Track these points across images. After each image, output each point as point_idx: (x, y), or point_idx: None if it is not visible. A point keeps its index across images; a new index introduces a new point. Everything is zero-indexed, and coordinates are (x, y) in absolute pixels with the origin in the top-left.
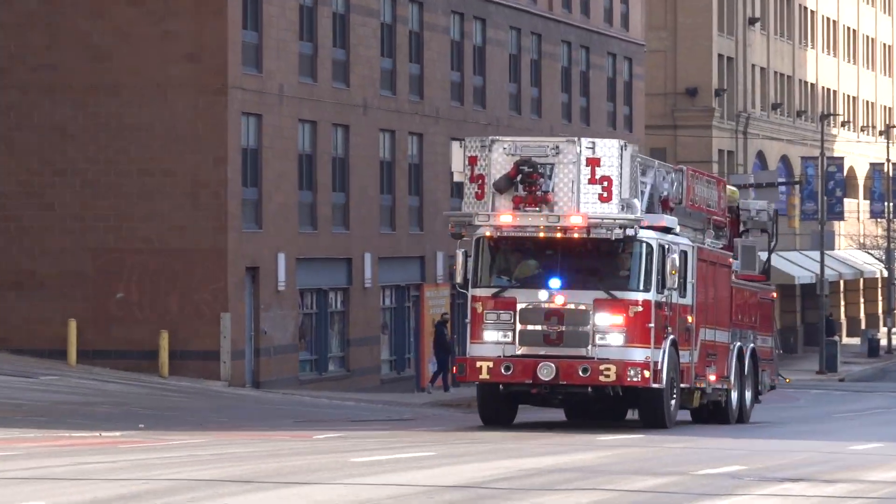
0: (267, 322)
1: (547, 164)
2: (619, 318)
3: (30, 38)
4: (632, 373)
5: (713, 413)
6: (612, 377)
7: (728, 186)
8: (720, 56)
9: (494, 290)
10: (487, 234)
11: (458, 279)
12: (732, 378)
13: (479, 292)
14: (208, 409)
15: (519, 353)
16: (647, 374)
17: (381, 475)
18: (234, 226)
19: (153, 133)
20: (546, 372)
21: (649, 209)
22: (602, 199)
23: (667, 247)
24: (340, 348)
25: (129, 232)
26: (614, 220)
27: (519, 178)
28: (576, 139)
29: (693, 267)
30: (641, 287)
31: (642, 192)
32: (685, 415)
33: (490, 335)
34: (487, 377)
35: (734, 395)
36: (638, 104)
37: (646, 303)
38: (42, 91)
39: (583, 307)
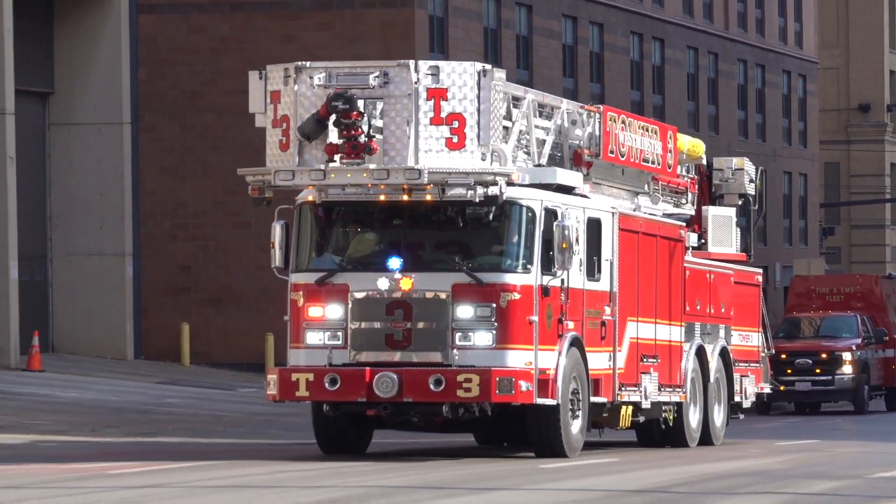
0: None
1: (372, 100)
2: (486, 310)
3: (223, 63)
4: (503, 385)
5: (666, 434)
6: (475, 392)
7: (688, 138)
8: (892, 72)
9: (319, 276)
10: (310, 198)
11: (276, 261)
12: (688, 388)
13: (300, 278)
14: None
15: (355, 360)
16: (525, 385)
17: (567, 481)
18: None
19: None
20: (385, 386)
21: (555, 164)
22: (451, 146)
23: (560, 212)
24: None
25: None
26: (468, 173)
27: (332, 118)
28: (411, 63)
29: (613, 240)
30: (519, 267)
31: (541, 141)
32: (629, 435)
33: (313, 337)
34: (306, 394)
35: (693, 410)
36: (812, 120)
37: (525, 288)
38: (236, 114)
39: (438, 296)
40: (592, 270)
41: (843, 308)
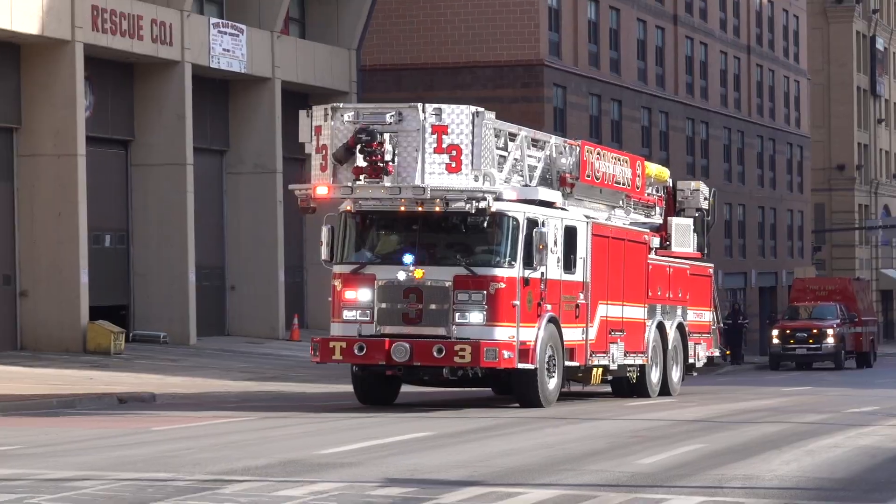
0: None
1: (390, 133)
2: (479, 296)
3: None
4: (489, 353)
5: (633, 387)
6: (468, 358)
7: (655, 165)
8: (859, 144)
9: (354, 267)
10: (348, 208)
11: (324, 255)
12: (650, 353)
13: (340, 269)
14: None
15: (378, 332)
16: (507, 354)
17: (646, 413)
18: None
19: None
20: (399, 353)
21: (546, 185)
22: (450, 170)
23: (540, 220)
24: None
25: None
26: (461, 191)
27: (358, 147)
28: (419, 105)
29: (587, 242)
30: (505, 263)
31: (533, 167)
32: (603, 388)
33: (349, 314)
34: (340, 358)
35: (655, 370)
36: (806, 176)
37: (509, 279)
38: None
39: (442, 284)
40: (569, 265)
41: (827, 300)
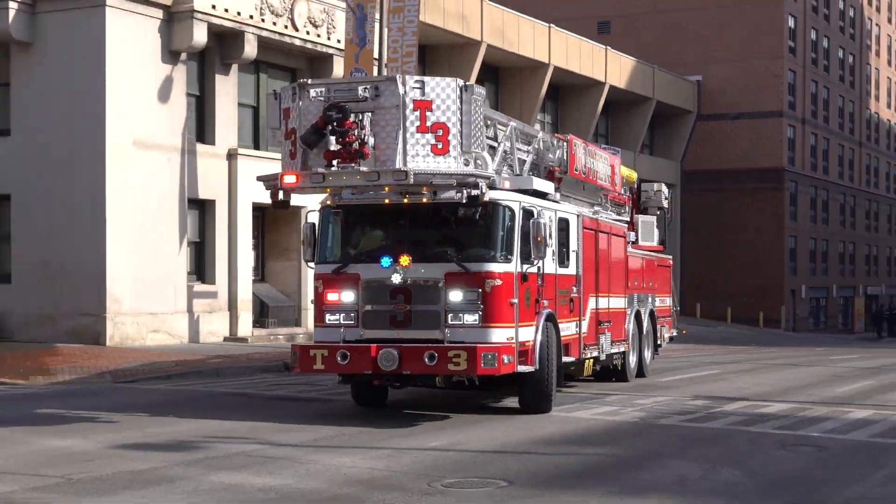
0: None
1: (365, 111)
2: (473, 294)
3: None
4: (487, 359)
5: (613, 373)
6: (464, 365)
7: (624, 168)
8: None
9: (336, 266)
10: (328, 202)
11: (306, 255)
12: (630, 341)
13: (321, 269)
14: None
15: (364, 337)
16: (507, 359)
17: (838, 364)
18: None
19: None
20: (387, 360)
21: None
22: (436, 151)
23: (535, 211)
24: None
25: None
26: (450, 175)
27: (328, 128)
28: (398, 77)
29: (578, 236)
30: (500, 257)
31: (521, 161)
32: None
33: (332, 317)
34: (322, 367)
35: (632, 356)
36: None
37: (506, 275)
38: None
39: (433, 282)
40: (563, 259)
41: None
